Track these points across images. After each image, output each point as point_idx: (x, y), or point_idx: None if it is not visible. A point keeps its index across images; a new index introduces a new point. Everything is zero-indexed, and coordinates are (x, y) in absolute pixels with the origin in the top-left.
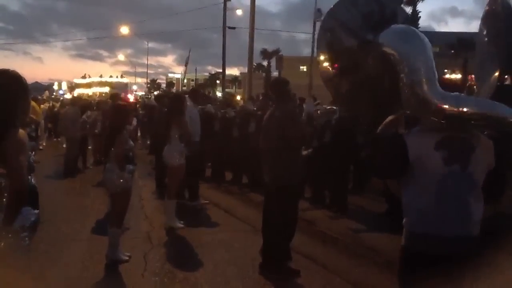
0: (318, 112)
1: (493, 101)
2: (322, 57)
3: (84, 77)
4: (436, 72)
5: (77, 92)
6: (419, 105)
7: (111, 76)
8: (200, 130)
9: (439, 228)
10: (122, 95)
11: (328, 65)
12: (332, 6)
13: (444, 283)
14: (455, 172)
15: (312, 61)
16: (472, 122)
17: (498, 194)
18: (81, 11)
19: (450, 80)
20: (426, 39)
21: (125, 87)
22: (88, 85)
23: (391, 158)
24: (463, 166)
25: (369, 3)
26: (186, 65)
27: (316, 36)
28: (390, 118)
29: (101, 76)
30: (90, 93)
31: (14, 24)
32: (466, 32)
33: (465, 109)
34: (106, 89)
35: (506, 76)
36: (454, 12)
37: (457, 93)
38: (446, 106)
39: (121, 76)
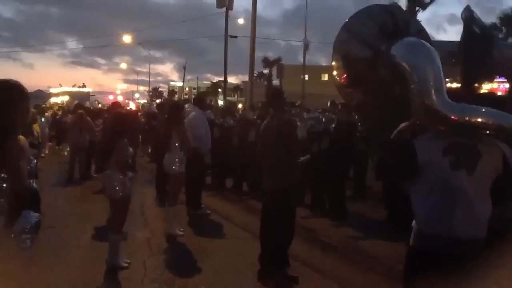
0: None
1: (501, 111)
2: (335, 66)
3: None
4: (444, 82)
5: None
6: (427, 114)
7: (79, 85)
8: (210, 137)
9: (447, 229)
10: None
11: (338, 75)
12: (347, 20)
13: (449, 284)
14: (462, 176)
15: (304, 71)
16: (479, 130)
17: (508, 197)
18: (77, 18)
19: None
20: (434, 50)
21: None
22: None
23: (401, 161)
24: (469, 170)
25: (383, 15)
26: (184, 75)
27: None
28: (403, 125)
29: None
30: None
31: (8, 31)
32: None
33: (470, 119)
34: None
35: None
36: (452, 19)
37: (464, 103)
38: (453, 116)
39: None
